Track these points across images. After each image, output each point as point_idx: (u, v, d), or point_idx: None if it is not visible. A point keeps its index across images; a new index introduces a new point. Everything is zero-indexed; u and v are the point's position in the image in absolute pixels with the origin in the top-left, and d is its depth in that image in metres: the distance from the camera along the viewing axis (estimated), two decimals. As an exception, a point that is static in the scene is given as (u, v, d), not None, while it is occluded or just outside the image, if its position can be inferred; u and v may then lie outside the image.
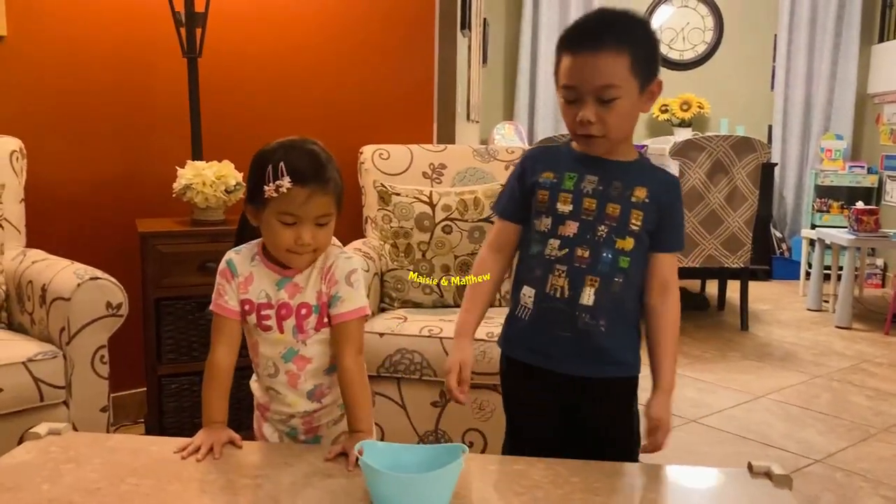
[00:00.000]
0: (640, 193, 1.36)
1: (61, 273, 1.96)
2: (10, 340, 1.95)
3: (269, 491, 1.18)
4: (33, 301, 2.00)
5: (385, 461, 1.14)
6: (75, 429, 1.89)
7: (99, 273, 1.94)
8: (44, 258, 2.11)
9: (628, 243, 1.35)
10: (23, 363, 1.81)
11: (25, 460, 1.26)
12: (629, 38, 1.29)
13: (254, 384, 1.49)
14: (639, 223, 1.35)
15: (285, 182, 1.27)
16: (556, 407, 1.44)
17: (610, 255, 1.34)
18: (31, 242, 2.31)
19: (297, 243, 1.31)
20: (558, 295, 1.36)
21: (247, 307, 1.38)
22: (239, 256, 1.40)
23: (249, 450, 1.33)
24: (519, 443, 1.50)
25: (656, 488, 1.20)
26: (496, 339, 2.03)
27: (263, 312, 1.37)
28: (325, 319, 1.38)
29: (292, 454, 1.31)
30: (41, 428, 1.36)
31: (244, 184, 2.41)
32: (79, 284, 1.89)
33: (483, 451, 2.07)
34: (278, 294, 1.37)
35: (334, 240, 1.43)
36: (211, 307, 1.41)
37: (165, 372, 2.32)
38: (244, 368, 1.46)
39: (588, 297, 1.34)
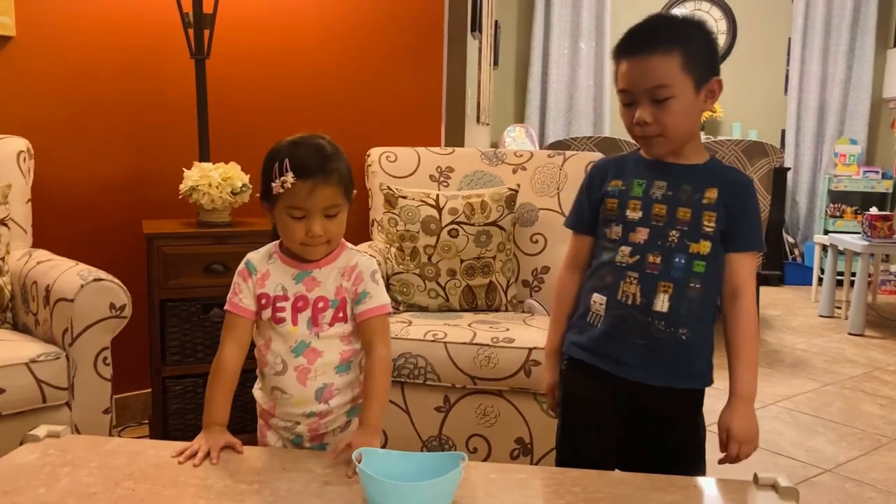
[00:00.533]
0: (712, 195, 1.34)
1: (65, 274, 1.95)
2: (14, 341, 1.94)
3: (267, 497, 1.16)
4: (38, 302, 2.00)
5: (384, 469, 1.13)
6: (77, 431, 1.89)
7: (103, 274, 1.94)
8: (49, 259, 2.11)
9: (703, 247, 1.33)
10: (25, 364, 1.80)
11: (23, 463, 1.25)
12: (680, 37, 1.29)
13: (257, 392, 1.47)
14: (712, 225, 1.33)
15: (289, 177, 1.30)
16: (618, 413, 1.42)
17: (683, 260, 1.33)
18: (38, 243, 2.31)
19: (308, 235, 1.34)
20: (630, 302, 1.35)
21: (263, 301, 1.39)
22: (257, 255, 1.44)
23: (248, 455, 1.32)
24: (574, 448, 1.48)
25: (659, 498, 1.18)
26: (500, 343, 2.02)
27: (279, 305, 1.39)
28: (341, 315, 1.39)
29: (290, 460, 1.30)
30: (40, 430, 1.36)
31: (250, 185, 2.40)
32: (82, 286, 1.88)
33: (487, 457, 2.05)
34: (296, 287, 1.39)
35: (349, 244, 1.46)
36: (226, 306, 1.42)
37: (170, 373, 2.32)
38: (249, 371, 1.45)
39: (662, 303, 1.33)
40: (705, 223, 1.33)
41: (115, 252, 2.50)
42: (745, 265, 1.36)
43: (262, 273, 1.41)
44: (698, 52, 1.30)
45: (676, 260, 1.33)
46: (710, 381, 1.41)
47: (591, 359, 1.41)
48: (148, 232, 2.28)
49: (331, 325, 1.38)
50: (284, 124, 2.81)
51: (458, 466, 1.10)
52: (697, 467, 1.42)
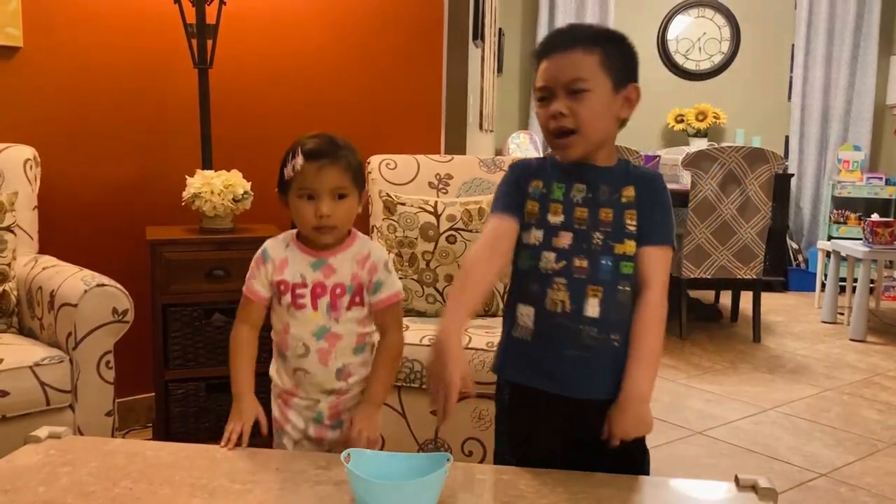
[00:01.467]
0: (629, 193, 1.34)
1: (69, 279, 2.00)
2: (19, 345, 1.99)
3: (259, 496, 1.20)
4: (42, 306, 2.05)
5: (372, 469, 1.16)
6: (81, 433, 1.93)
7: (106, 280, 1.98)
8: (54, 264, 2.16)
9: (629, 247, 1.32)
10: (30, 367, 1.85)
11: (24, 463, 1.29)
12: (600, 39, 1.32)
13: (274, 373, 1.55)
14: (634, 223, 1.32)
15: (299, 160, 1.40)
16: (560, 435, 1.36)
17: (610, 262, 1.30)
18: (44, 249, 2.36)
19: (317, 216, 1.41)
20: (559, 310, 1.30)
21: (282, 287, 1.47)
22: (274, 242, 1.51)
23: (242, 455, 1.36)
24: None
25: (641, 499, 1.21)
26: (494, 348, 2.05)
27: (298, 292, 1.46)
28: (357, 299, 1.48)
29: (283, 461, 1.33)
30: (42, 431, 1.40)
31: (251, 193, 2.45)
32: (86, 291, 1.93)
33: (482, 460, 2.08)
34: (314, 274, 1.46)
35: (359, 233, 1.53)
36: (243, 289, 1.51)
37: (172, 377, 2.36)
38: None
39: (593, 308, 1.29)
40: (628, 222, 1.32)
41: (118, 258, 2.55)
42: (654, 258, 1.32)
43: (279, 260, 1.48)
44: (617, 54, 1.32)
45: (603, 262, 1.30)
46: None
47: (528, 379, 1.35)
48: (151, 238, 2.33)
49: (348, 309, 1.47)
50: (285, 133, 2.83)
51: (443, 466, 1.14)
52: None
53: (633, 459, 1.34)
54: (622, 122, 1.37)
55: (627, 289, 1.31)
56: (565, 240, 1.32)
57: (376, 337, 1.55)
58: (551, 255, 1.32)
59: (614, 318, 1.30)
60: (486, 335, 2.13)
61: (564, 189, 1.35)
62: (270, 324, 1.53)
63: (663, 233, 1.34)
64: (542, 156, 1.43)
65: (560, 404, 1.33)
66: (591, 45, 1.30)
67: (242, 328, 1.51)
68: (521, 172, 1.41)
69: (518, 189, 1.38)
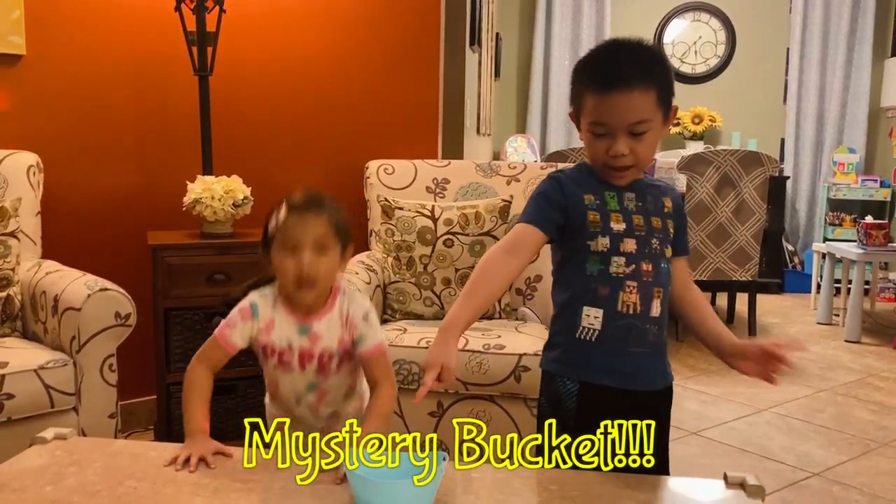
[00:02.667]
0: (668, 203, 1.45)
1: (73, 284, 2.03)
2: (23, 349, 2.03)
3: (261, 494, 1.23)
4: (46, 311, 2.08)
5: (370, 468, 1.20)
6: (84, 434, 1.96)
7: (109, 284, 2.02)
8: (57, 269, 2.19)
9: (669, 252, 1.43)
10: (34, 370, 1.89)
11: (31, 463, 1.32)
12: (653, 73, 1.35)
13: (268, 403, 1.58)
14: (671, 231, 1.44)
15: (282, 211, 1.39)
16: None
17: (665, 266, 1.42)
18: (47, 254, 2.40)
19: (298, 269, 1.38)
20: (630, 311, 1.38)
21: (268, 350, 1.47)
22: (263, 300, 1.47)
23: (242, 456, 1.39)
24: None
25: (632, 496, 1.24)
26: (491, 350, 2.09)
27: (285, 358, 1.46)
28: (346, 358, 1.48)
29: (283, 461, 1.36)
30: (48, 433, 1.43)
31: (251, 198, 2.48)
32: (89, 295, 1.96)
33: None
34: (300, 340, 1.45)
35: (346, 280, 1.55)
36: (215, 332, 1.45)
37: (174, 380, 2.39)
38: (253, 377, 1.53)
39: (656, 309, 1.39)
40: (670, 230, 1.43)
41: (121, 262, 2.58)
42: (687, 266, 1.52)
43: (267, 321, 1.46)
44: (667, 84, 1.36)
45: (662, 266, 1.40)
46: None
47: (602, 378, 1.39)
48: (153, 243, 2.36)
49: (338, 370, 1.49)
50: (285, 139, 2.91)
51: (440, 465, 1.17)
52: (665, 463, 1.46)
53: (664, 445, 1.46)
54: None
55: (669, 288, 1.42)
56: (630, 245, 1.39)
57: (363, 375, 1.53)
58: (621, 260, 1.38)
59: (665, 316, 1.42)
60: (482, 338, 2.17)
61: (617, 199, 1.42)
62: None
63: (687, 246, 1.52)
64: (566, 166, 1.47)
65: (622, 397, 1.40)
66: (648, 81, 1.33)
67: (200, 367, 1.45)
68: (568, 184, 1.42)
69: (551, 204, 1.40)
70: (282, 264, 1.40)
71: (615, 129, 1.34)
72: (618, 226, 1.39)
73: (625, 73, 1.33)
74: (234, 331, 1.45)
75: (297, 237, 1.38)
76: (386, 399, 1.46)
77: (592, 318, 1.39)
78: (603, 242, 1.39)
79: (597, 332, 1.38)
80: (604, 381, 1.39)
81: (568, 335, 1.42)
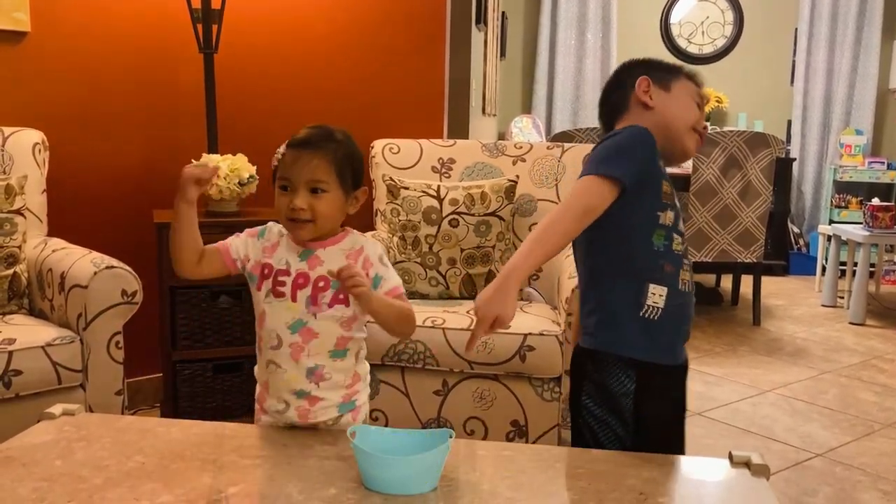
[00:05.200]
0: None
1: (79, 262, 2.04)
2: (31, 325, 2.03)
3: (267, 470, 1.24)
4: (53, 288, 2.09)
5: (377, 444, 1.20)
6: (91, 411, 1.97)
7: (115, 262, 2.02)
8: (63, 247, 2.20)
9: None
10: (42, 347, 1.89)
11: (40, 438, 1.33)
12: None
13: (256, 369, 1.49)
14: None
15: (282, 148, 1.37)
16: (672, 403, 1.46)
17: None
18: (53, 231, 2.40)
19: (289, 207, 1.35)
20: (688, 289, 1.39)
21: (265, 271, 1.41)
22: (275, 226, 1.46)
23: (250, 432, 1.40)
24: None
25: (637, 474, 1.24)
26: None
27: (280, 279, 1.40)
28: (341, 297, 1.38)
29: (291, 437, 1.37)
30: (56, 409, 1.44)
31: (257, 177, 2.48)
32: (95, 273, 1.96)
33: (484, 439, 2.12)
34: (299, 263, 1.40)
35: (355, 231, 1.46)
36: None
37: (180, 358, 2.40)
38: (252, 356, 1.50)
39: (692, 285, 1.41)
40: None
41: (127, 240, 2.58)
42: None
43: (272, 243, 1.43)
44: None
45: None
46: None
47: (666, 357, 1.38)
48: (158, 221, 2.36)
49: (330, 305, 1.39)
50: (290, 117, 2.90)
51: (446, 442, 1.18)
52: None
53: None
54: None
55: None
56: (682, 224, 1.42)
57: (363, 345, 1.46)
58: (679, 238, 1.39)
59: None
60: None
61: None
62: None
63: None
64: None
65: (668, 374, 1.41)
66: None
67: (188, 253, 1.43)
68: (654, 149, 1.36)
69: (653, 167, 1.36)
70: (277, 201, 1.38)
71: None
72: (677, 203, 1.41)
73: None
74: (238, 240, 1.45)
75: (290, 177, 1.35)
76: (408, 307, 1.43)
77: (658, 296, 1.34)
78: (669, 217, 1.37)
79: (660, 310, 1.34)
80: (659, 359, 1.37)
81: (632, 313, 1.35)
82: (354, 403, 1.45)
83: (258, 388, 1.49)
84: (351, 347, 1.43)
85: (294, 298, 1.39)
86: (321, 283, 1.39)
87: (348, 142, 1.40)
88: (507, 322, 1.26)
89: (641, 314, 1.34)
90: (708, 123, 1.40)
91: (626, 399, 1.36)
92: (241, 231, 1.47)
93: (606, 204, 1.30)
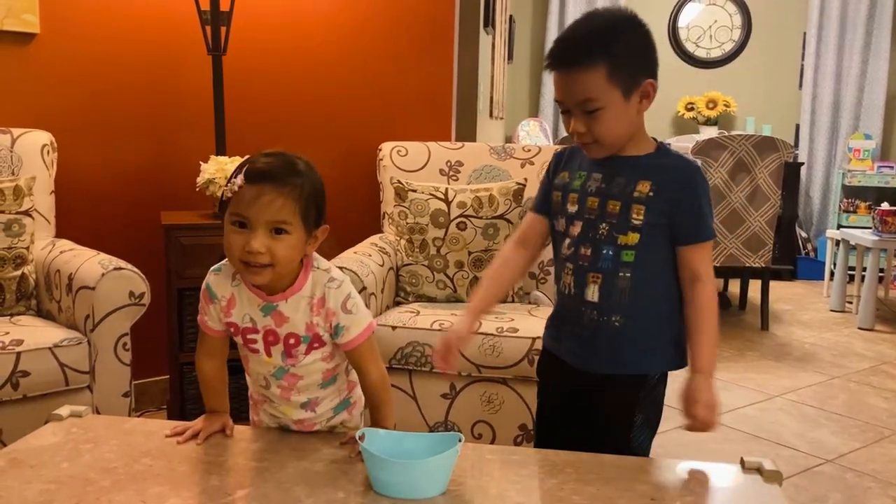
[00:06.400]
0: (643, 188, 1.34)
1: (87, 263, 2.03)
2: (38, 327, 2.03)
3: (274, 473, 1.23)
4: (60, 289, 2.08)
5: (385, 447, 1.20)
6: (98, 412, 1.97)
7: (123, 263, 2.02)
8: (71, 248, 2.20)
9: (631, 238, 1.35)
10: (49, 349, 1.89)
11: (48, 440, 1.33)
12: (604, 46, 1.29)
13: (248, 377, 1.46)
14: (641, 217, 1.34)
15: (238, 179, 1.19)
16: (564, 393, 1.50)
17: (611, 252, 1.36)
18: (61, 233, 2.40)
19: (245, 250, 1.19)
20: (567, 292, 1.42)
21: (231, 329, 1.34)
22: (218, 277, 1.33)
23: (258, 435, 1.39)
24: (540, 425, 1.61)
25: (648, 479, 1.23)
26: (504, 333, 2.09)
27: (249, 336, 1.32)
28: (315, 345, 1.32)
29: (299, 440, 1.37)
30: (63, 410, 1.44)
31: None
32: (103, 274, 1.96)
33: (492, 443, 2.11)
34: (264, 320, 1.30)
35: (318, 258, 1.32)
36: (198, 321, 1.37)
37: (187, 360, 2.40)
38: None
39: (593, 293, 1.38)
40: (633, 216, 1.34)
41: (134, 242, 2.58)
42: (696, 254, 1.37)
43: (226, 299, 1.31)
44: (624, 58, 1.30)
45: (605, 252, 1.36)
46: (649, 367, 1.42)
47: (549, 344, 1.53)
48: (166, 223, 2.36)
49: (307, 354, 1.32)
50: (298, 119, 2.90)
51: (455, 446, 1.17)
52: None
53: (618, 433, 1.43)
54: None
55: (628, 275, 1.36)
56: (577, 228, 1.40)
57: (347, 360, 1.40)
58: (567, 242, 1.42)
59: (615, 302, 1.37)
60: (495, 321, 2.16)
61: (584, 178, 1.41)
62: None
63: (699, 229, 1.37)
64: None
65: (565, 367, 1.47)
66: (595, 57, 1.28)
67: (202, 361, 1.39)
68: (553, 167, 1.51)
69: (548, 185, 1.49)
70: (228, 240, 1.22)
71: (568, 106, 1.34)
72: (572, 207, 1.41)
73: (570, 52, 1.32)
74: (208, 317, 1.34)
75: (247, 215, 1.19)
76: (379, 378, 1.36)
77: (554, 293, 1.54)
78: (561, 223, 1.44)
79: (556, 306, 1.53)
80: (550, 347, 1.53)
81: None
82: (349, 401, 1.45)
83: (251, 392, 1.48)
84: (338, 372, 1.40)
85: (269, 354, 1.33)
86: (292, 341, 1.31)
87: (312, 174, 1.25)
88: (461, 338, 1.44)
89: (555, 306, 1.56)
90: (576, 129, 1.34)
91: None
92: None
93: (533, 226, 1.53)
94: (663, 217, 1.34)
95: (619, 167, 1.37)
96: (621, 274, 1.36)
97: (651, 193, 1.34)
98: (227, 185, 1.20)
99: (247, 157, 1.29)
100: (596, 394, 1.44)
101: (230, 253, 1.23)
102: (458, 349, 1.42)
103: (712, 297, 1.37)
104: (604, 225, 1.37)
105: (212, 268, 1.35)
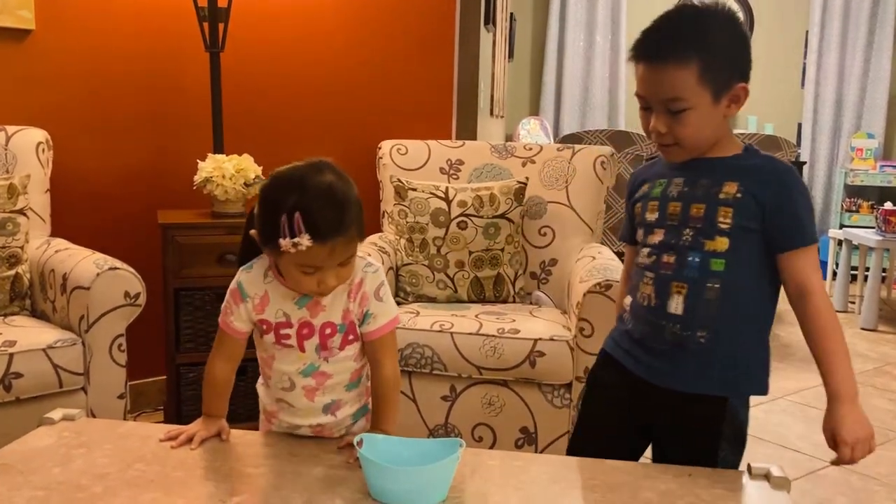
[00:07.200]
0: (730, 189, 1.24)
1: (82, 263, 2.00)
2: (32, 327, 2.00)
3: (272, 480, 1.20)
4: (55, 289, 2.05)
5: (384, 454, 1.17)
6: (93, 415, 1.94)
7: (118, 263, 1.99)
8: (66, 248, 2.17)
9: (720, 244, 1.24)
10: (43, 350, 1.86)
11: (39, 444, 1.30)
12: (699, 42, 1.20)
13: (261, 388, 1.44)
14: (728, 221, 1.23)
15: (304, 240, 1.16)
16: (629, 410, 1.37)
17: (698, 259, 1.25)
18: (56, 232, 2.37)
19: (320, 287, 1.23)
20: (646, 304, 1.30)
21: (264, 327, 1.31)
22: (250, 276, 1.32)
23: (256, 440, 1.36)
24: (584, 434, 1.45)
25: (653, 486, 1.20)
26: (506, 334, 2.06)
27: (282, 332, 1.30)
28: (351, 337, 1.32)
29: (297, 445, 1.33)
30: (55, 413, 1.40)
31: (263, 177, 2.44)
32: (98, 274, 1.93)
33: (492, 446, 2.09)
34: (298, 312, 1.29)
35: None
36: (219, 322, 1.35)
37: (184, 361, 2.37)
38: (251, 359, 1.42)
39: (676, 305, 1.26)
40: (720, 219, 1.23)
41: (130, 241, 2.55)
42: (799, 263, 1.23)
43: (259, 297, 1.30)
44: (719, 60, 1.21)
45: (691, 259, 1.25)
46: (739, 390, 1.33)
47: (621, 355, 1.37)
48: (163, 222, 2.33)
49: (341, 348, 1.32)
50: (297, 117, 2.87)
51: (455, 452, 1.14)
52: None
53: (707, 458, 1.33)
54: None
55: (717, 286, 1.25)
56: (658, 236, 1.31)
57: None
58: (646, 251, 1.33)
59: (700, 315, 1.26)
60: (497, 322, 2.13)
61: (664, 185, 1.33)
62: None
63: (799, 234, 1.24)
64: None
65: (636, 383, 1.34)
66: (689, 53, 1.19)
67: (217, 364, 1.36)
68: (632, 183, 1.44)
69: (630, 207, 1.43)
70: (299, 281, 1.23)
71: (652, 103, 1.24)
72: (651, 216, 1.33)
73: (662, 43, 1.22)
74: (234, 317, 1.32)
75: (321, 266, 1.21)
76: (392, 375, 1.35)
77: (627, 304, 1.38)
78: (640, 234, 1.36)
79: (630, 318, 1.38)
80: (621, 358, 1.38)
81: (619, 317, 1.43)
82: (367, 408, 1.41)
83: (262, 404, 1.44)
84: (363, 374, 1.39)
85: (302, 349, 1.31)
86: (328, 331, 1.30)
87: (350, 190, 1.24)
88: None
89: (622, 315, 1.41)
90: (656, 129, 1.28)
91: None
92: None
93: (629, 259, 1.46)
94: (754, 221, 1.23)
95: (703, 169, 1.28)
96: (709, 284, 1.24)
97: (739, 195, 1.23)
98: (285, 241, 1.16)
99: (277, 195, 1.19)
100: (672, 412, 1.32)
101: (301, 289, 1.27)
102: None
103: (829, 311, 1.24)
104: (687, 230, 1.26)
105: (241, 267, 1.34)
